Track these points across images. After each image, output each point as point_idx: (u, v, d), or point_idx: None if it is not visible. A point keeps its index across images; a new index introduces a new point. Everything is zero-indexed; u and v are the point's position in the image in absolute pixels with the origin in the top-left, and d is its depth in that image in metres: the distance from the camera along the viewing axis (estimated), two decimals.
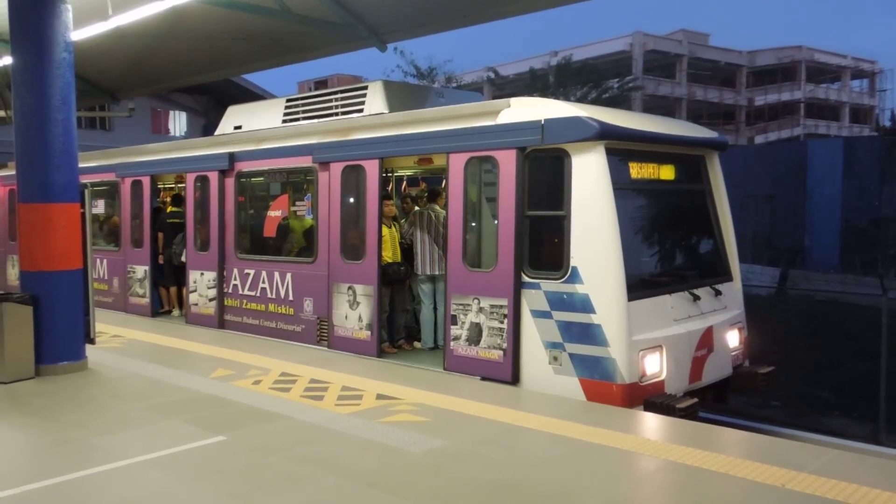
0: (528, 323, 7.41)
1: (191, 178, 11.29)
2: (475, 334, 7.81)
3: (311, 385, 7.61)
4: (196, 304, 11.22)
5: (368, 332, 8.84)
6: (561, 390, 7.13)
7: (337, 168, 9.15)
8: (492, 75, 40.71)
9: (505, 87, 40.31)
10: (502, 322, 7.56)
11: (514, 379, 7.49)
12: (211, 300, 10.94)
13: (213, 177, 10.86)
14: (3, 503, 4.72)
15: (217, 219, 10.81)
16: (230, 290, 10.69)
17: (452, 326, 8.00)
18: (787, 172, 25.95)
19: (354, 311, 8.98)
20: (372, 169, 8.78)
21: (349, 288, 9.01)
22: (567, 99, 27.30)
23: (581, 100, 30.31)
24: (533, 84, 34.54)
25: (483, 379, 7.70)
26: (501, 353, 7.58)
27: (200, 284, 11.13)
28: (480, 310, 7.75)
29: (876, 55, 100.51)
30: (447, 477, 5.13)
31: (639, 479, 5.22)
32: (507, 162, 7.49)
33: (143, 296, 12.20)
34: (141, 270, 12.24)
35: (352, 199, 9.22)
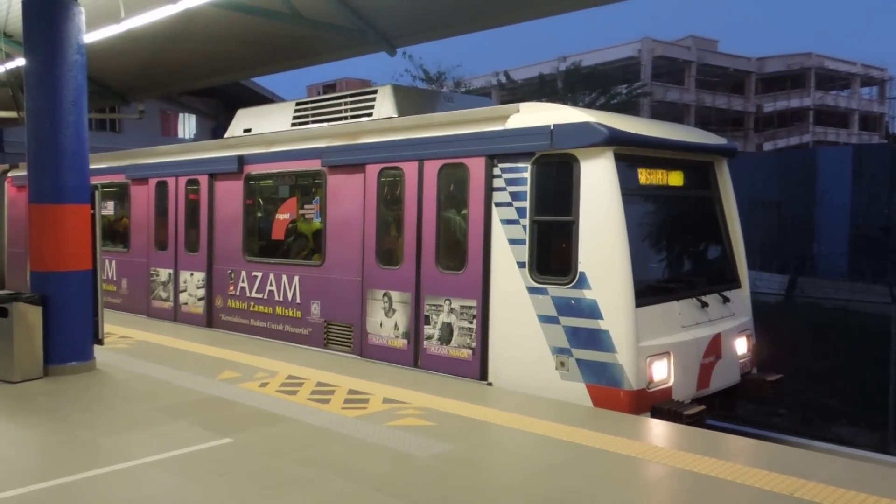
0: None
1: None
2: (446, 334, 8.01)
3: (318, 388, 7.63)
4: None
5: (405, 341, 8.60)
6: (568, 396, 7.13)
7: (373, 171, 8.87)
8: (501, 80, 40.66)
9: (514, 92, 40.28)
10: (471, 322, 7.76)
11: (482, 377, 7.77)
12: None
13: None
14: (12, 502, 4.75)
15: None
16: (238, 293, 10.71)
17: (425, 326, 8.22)
18: (795, 179, 25.87)
19: (390, 319, 8.74)
20: (411, 171, 8.50)
21: (384, 295, 8.80)
22: (575, 104, 27.26)
23: (589, 105, 30.23)
24: (542, 89, 34.45)
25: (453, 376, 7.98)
26: (470, 351, 7.84)
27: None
28: (451, 310, 7.95)
29: (886, 62, 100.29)
30: (453, 482, 5.13)
31: (646, 486, 5.20)
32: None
33: (167, 299, 12.16)
34: (165, 273, 12.17)
35: (390, 204, 8.95)
